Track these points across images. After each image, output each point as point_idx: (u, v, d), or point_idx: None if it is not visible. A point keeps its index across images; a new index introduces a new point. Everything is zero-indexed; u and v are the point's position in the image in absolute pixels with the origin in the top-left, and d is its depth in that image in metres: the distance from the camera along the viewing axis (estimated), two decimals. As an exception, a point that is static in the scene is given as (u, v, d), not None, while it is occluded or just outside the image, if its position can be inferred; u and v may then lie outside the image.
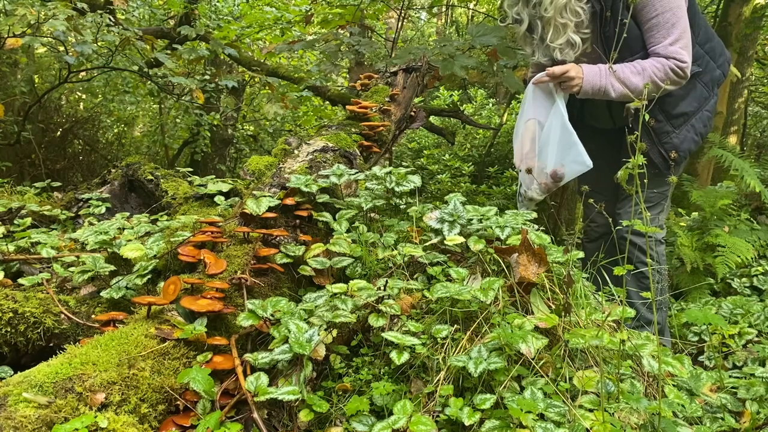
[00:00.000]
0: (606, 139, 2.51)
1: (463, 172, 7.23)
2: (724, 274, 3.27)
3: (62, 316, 1.84)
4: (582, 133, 2.25)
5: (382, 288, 1.70)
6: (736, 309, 2.71)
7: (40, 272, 2.17)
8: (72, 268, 2.14)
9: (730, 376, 1.91)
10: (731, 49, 5.62)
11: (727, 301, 2.81)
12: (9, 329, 1.73)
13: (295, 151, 2.40)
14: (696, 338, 2.49)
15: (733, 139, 6.37)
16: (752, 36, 6.14)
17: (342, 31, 5.37)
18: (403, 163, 7.71)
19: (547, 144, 2.25)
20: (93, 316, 1.89)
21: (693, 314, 1.75)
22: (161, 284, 1.82)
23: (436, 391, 1.43)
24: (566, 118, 2.25)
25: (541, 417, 1.32)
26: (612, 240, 2.44)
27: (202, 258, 1.82)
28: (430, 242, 1.91)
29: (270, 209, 1.98)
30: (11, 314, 1.74)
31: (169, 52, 4.97)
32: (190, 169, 3.47)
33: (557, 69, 2.23)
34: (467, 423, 1.31)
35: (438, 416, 1.38)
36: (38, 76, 6.32)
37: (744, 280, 3.30)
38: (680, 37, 2.16)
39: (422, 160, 7.84)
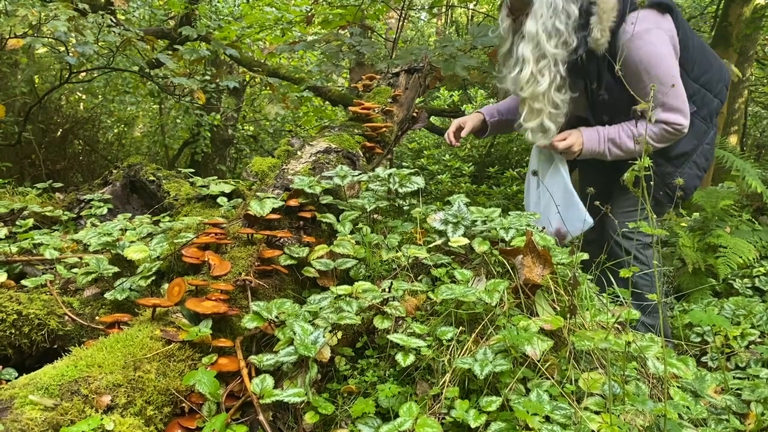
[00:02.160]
0: None
1: (464, 172, 7.23)
2: (725, 275, 3.27)
3: (66, 317, 1.83)
4: None
5: (387, 290, 1.70)
6: (739, 310, 2.71)
7: (43, 274, 2.17)
8: (75, 270, 2.14)
9: (733, 377, 1.91)
10: (731, 50, 5.62)
11: (729, 302, 2.81)
12: (13, 331, 1.73)
13: (298, 152, 2.40)
14: (698, 339, 2.49)
15: (733, 140, 6.38)
16: (752, 36, 6.13)
17: (343, 32, 5.37)
18: (404, 164, 7.70)
19: (549, 205, 2.28)
20: (97, 317, 1.89)
21: (697, 315, 1.75)
22: (165, 286, 1.82)
23: (442, 393, 1.43)
24: (568, 180, 2.30)
25: (547, 419, 1.32)
26: (602, 245, 2.44)
27: (206, 259, 1.82)
28: (434, 244, 1.91)
29: (274, 211, 1.98)
30: (15, 316, 1.74)
31: (170, 52, 4.97)
32: (191, 170, 3.47)
33: (561, 144, 2.27)
34: (473, 425, 1.31)
35: (444, 418, 1.38)
36: (39, 76, 6.32)
37: (746, 280, 3.30)
38: (674, 104, 2.16)
39: (422, 160, 7.83)
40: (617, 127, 2.26)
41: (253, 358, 1.52)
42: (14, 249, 2.31)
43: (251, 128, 9.03)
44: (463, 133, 2.59)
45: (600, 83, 2.23)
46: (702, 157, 2.37)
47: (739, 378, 1.92)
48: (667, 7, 2.17)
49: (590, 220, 2.20)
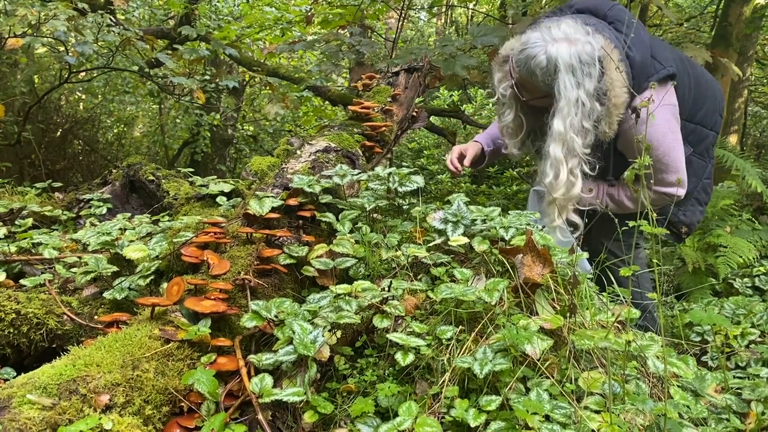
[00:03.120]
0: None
1: (464, 172, 7.23)
2: (725, 275, 3.27)
3: (65, 317, 1.83)
4: None
5: (386, 289, 1.70)
6: (739, 309, 2.70)
7: (42, 273, 2.17)
8: (74, 269, 2.14)
9: (733, 377, 1.91)
10: (731, 49, 5.62)
11: (729, 302, 2.80)
12: (12, 330, 1.73)
13: (298, 152, 2.39)
14: (698, 338, 2.49)
15: (733, 139, 6.37)
16: (752, 36, 6.13)
17: (342, 32, 5.37)
18: (404, 163, 7.70)
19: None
20: (96, 317, 1.89)
21: (697, 315, 1.74)
22: (164, 285, 1.82)
23: (442, 393, 1.42)
24: (564, 225, 2.31)
25: (547, 418, 1.31)
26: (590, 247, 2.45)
27: (205, 259, 1.82)
28: (433, 243, 1.91)
29: (273, 210, 1.98)
30: (14, 315, 1.74)
31: (169, 52, 4.96)
32: (191, 170, 3.46)
33: None
34: (473, 424, 1.31)
35: (443, 418, 1.38)
36: (38, 76, 6.32)
37: (746, 280, 3.30)
38: (672, 180, 2.18)
39: (422, 160, 7.83)
40: (618, 186, 2.28)
41: (252, 358, 1.52)
42: (13, 248, 2.31)
43: (251, 128, 9.04)
44: (466, 162, 2.54)
45: (606, 165, 2.24)
46: (702, 192, 2.41)
47: (740, 377, 1.91)
48: (670, 76, 2.15)
49: (573, 240, 2.21)
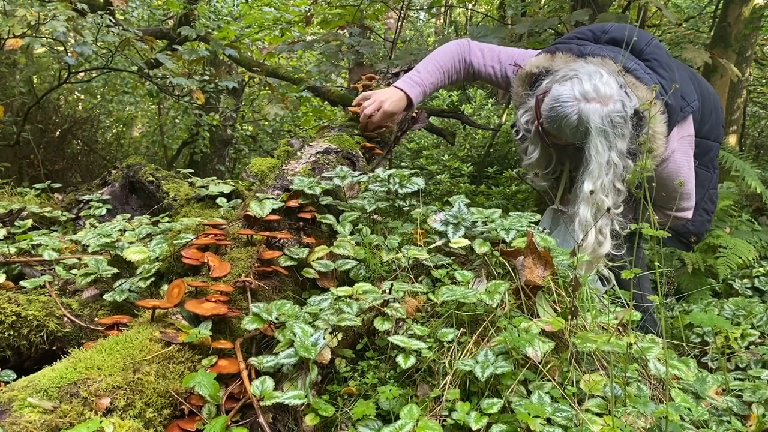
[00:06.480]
0: None
1: (463, 172, 7.23)
2: (725, 276, 3.28)
3: (65, 319, 1.83)
4: None
5: (387, 291, 1.69)
6: (739, 310, 2.71)
7: (42, 275, 2.16)
8: (74, 271, 2.13)
9: (734, 378, 1.91)
10: (730, 50, 5.63)
11: (729, 303, 2.81)
12: (12, 333, 1.72)
13: (298, 153, 2.39)
14: (699, 340, 2.49)
15: (732, 139, 6.38)
16: (751, 36, 6.13)
17: (342, 32, 5.37)
18: (403, 164, 7.70)
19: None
20: (96, 319, 1.88)
21: (697, 316, 1.74)
22: (164, 287, 1.81)
23: (443, 396, 1.42)
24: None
25: (549, 421, 1.31)
26: None
27: (205, 261, 1.81)
28: (434, 245, 1.90)
29: (273, 211, 1.97)
30: (14, 317, 1.73)
31: (168, 52, 4.96)
32: (191, 170, 3.46)
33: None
34: (474, 427, 1.31)
35: (445, 421, 1.38)
36: (37, 76, 6.31)
37: (745, 281, 3.30)
38: (684, 206, 2.26)
39: (421, 160, 7.83)
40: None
41: (253, 360, 1.52)
42: (13, 250, 2.31)
43: (250, 128, 9.03)
44: (377, 119, 2.46)
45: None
46: (709, 201, 2.46)
47: (740, 379, 1.92)
48: (691, 111, 2.20)
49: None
